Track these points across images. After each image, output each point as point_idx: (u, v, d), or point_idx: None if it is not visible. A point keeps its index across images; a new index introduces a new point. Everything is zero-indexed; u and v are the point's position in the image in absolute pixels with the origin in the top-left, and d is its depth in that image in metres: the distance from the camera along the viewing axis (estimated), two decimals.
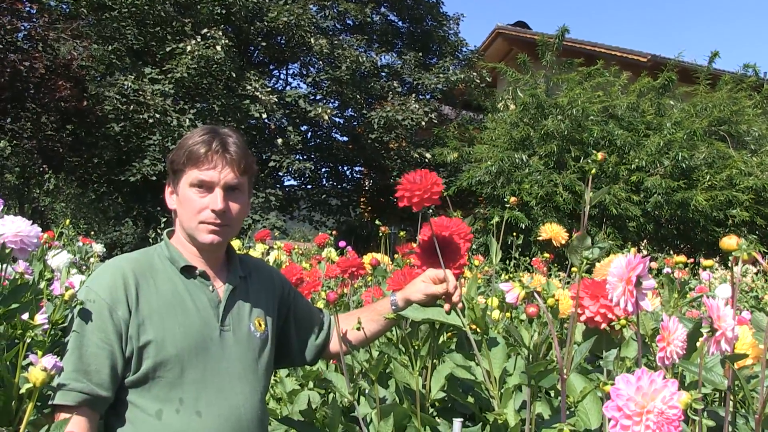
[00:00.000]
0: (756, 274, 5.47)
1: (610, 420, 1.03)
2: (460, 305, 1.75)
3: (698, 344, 1.50)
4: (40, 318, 1.34)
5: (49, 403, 1.44)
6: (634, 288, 1.29)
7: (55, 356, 1.12)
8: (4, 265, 1.56)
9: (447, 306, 1.76)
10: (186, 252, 1.71)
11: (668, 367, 1.35)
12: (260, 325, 1.76)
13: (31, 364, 1.11)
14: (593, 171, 1.59)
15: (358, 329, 1.86)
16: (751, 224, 11.05)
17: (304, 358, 1.95)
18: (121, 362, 1.54)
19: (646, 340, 1.83)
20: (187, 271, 1.69)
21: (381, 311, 1.89)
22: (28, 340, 1.19)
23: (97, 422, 1.52)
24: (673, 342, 1.30)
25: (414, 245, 1.81)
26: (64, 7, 15.09)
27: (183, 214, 1.69)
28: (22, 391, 1.07)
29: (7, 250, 1.57)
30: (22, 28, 13.73)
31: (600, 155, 1.65)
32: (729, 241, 1.32)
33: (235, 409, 1.62)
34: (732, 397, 1.27)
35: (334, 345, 1.95)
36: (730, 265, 1.34)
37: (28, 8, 13.90)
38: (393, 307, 1.86)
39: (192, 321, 1.62)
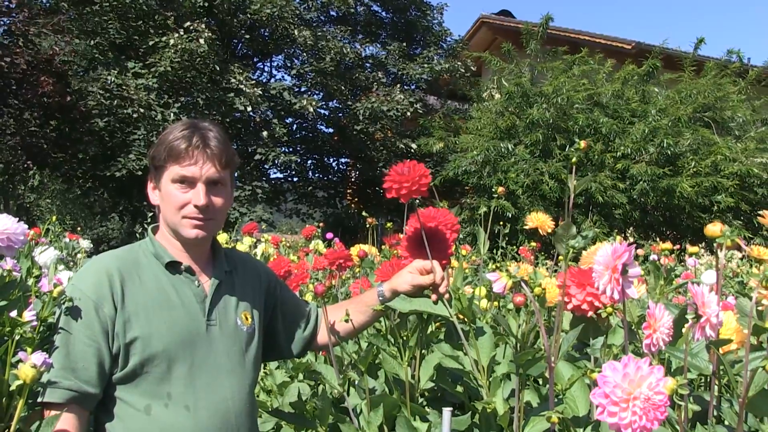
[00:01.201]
0: (741, 259, 5.52)
1: (597, 407, 1.04)
2: (447, 296, 1.76)
3: (684, 330, 1.51)
4: (28, 315, 1.34)
5: (38, 400, 1.44)
6: (620, 276, 1.30)
7: (45, 353, 1.12)
8: None
9: (434, 296, 1.77)
10: (171, 247, 1.72)
11: (655, 354, 1.36)
12: (247, 318, 1.76)
13: (20, 361, 1.11)
14: (575, 160, 1.60)
15: (347, 321, 1.86)
16: (736, 210, 11.13)
17: (291, 350, 1.96)
18: (108, 359, 1.55)
19: (633, 327, 1.85)
20: (172, 266, 1.69)
21: (368, 302, 1.90)
22: (17, 337, 1.19)
23: (87, 419, 1.53)
24: (659, 329, 1.31)
25: (401, 236, 1.81)
26: (45, 1, 14.94)
27: (166, 210, 1.69)
28: (12, 388, 1.07)
29: None
30: (2, 23, 13.63)
31: (583, 143, 1.66)
32: (713, 228, 1.34)
33: (223, 402, 1.63)
34: (717, 382, 1.29)
35: (322, 337, 1.96)
36: (715, 251, 1.35)
37: (6, 3, 13.77)
38: (380, 298, 1.86)
39: (178, 316, 1.62)
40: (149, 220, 12.34)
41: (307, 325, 1.95)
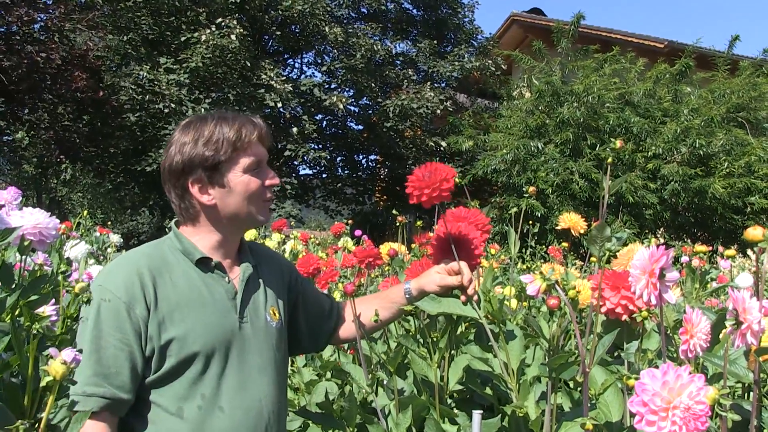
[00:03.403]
0: None
1: (635, 415, 1.02)
2: (476, 297, 1.74)
3: (721, 336, 1.48)
4: (49, 309, 1.34)
5: (72, 409, 1.41)
6: (657, 280, 1.27)
7: (74, 349, 1.12)
8: (24, 257, 1.56)
9: (463, 297, 1.74)
10: (201, 243, 1.67)
11: (691, 360, 1.33)
12: (275, 314, 1.73)
13: (50, 357, 1.11)
14: (610, 160, 1.57)
15: (376, 321, 1.84)
16: None
17: (314, 344, 1.95)
18: (141, 362, 1.51)
19: (669, 331, 1.82)
20: (203, 263, 1.65)
21: (393, 299, 1.87)
22: (34, 332, 1.19)
23: (116, 424, 1.50)
24: (696, 335, 1.28)
25: (431, 235, 1.79)
26: None
27: (236, 202, 1.64)
28: (42, 384, 1.07)
29: (27, 243, 1.57)
30: (39, 19, 13.78)
31: (618, 143, 1.63)
32: (754, 232, 1.30)
33: (257, 401, 1.61)
34: (758, 391, 1.25)
35: (344, 331, 1.94)
36: (749, 253, 1.32)
37: None
38: (407, 296, 1.84)
39: (212, 315, 1.59)
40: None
41: (329, 318, 1.93)
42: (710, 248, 5.17)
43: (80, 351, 1.23)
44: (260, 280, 1.75)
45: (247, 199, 1.65)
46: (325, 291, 2.70)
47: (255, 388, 1.62)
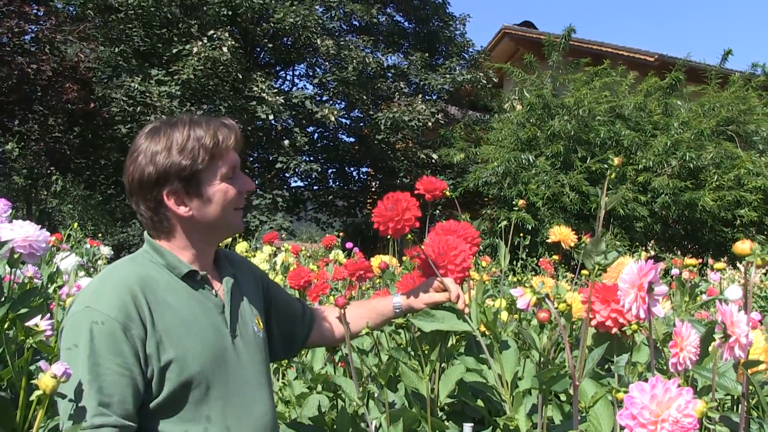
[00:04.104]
0: (765, 274, 5.45)
1: (623, 429, 1.02)
2: (467, 311, 1.74)
3: (710, 349, 1.49)
4: (44, 323, 1.34)
5: None
6: (646, 294, 1.28)
7: (65, 363, 1.12)
8: (14, 270, 1.56)
9: (460, 305, 1.74)
10: (183, 255, 1.56)
11: (680, 373, 1.34)
12: (259, 323, 1.67)
13: (39, 369, 1.11)
14: (613, 176, 1.58)
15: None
16: (759, 224, 11.03)
17: (287, 351, 1.88)
18: (142, 386, 1.39)
19: (658, 344, 1.82)
20: (190, 277, 1.55)
21: (380, 311, 1.85)
22: (27, 346, 1.18)
23: None
24: (686, 348, 1.29)
25: (421, 248, 1.79)
26: (71, 9, 15.14)
27: (214, 213, 1.54)
28: (32, 398, 1.07)
29: (16, 255, 1.57)
30: (30, 30, 13.82)
31: (617, 160, 1.64)
32: (743, 246, 1.31)
33: (260, 417, 1.56)
34: (746, 403, 1.26)
35: (317, 335, 1.89)
36: (738, 266, 1.33)
37: (35, 11, 13.97)
38: (396, 310, 1.83)
39: (207, 332, 1.50)
40: None
41: (302, 323, 1.87)
42: (700, 261, 5.21)
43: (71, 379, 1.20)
44: (241, 290, 1.67)
45: (226, 209, 1.56)
46: (316, 303, 2.70)
47: (256, 404, 1.56)
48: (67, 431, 1.28)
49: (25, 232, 1.58)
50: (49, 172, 15.64)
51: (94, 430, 1.30)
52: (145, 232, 1.61)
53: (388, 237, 1.76)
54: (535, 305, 1.39)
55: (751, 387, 1.35)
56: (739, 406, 1.40)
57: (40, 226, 1.66)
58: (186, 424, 1.43)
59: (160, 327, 1.43)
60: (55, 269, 2.16)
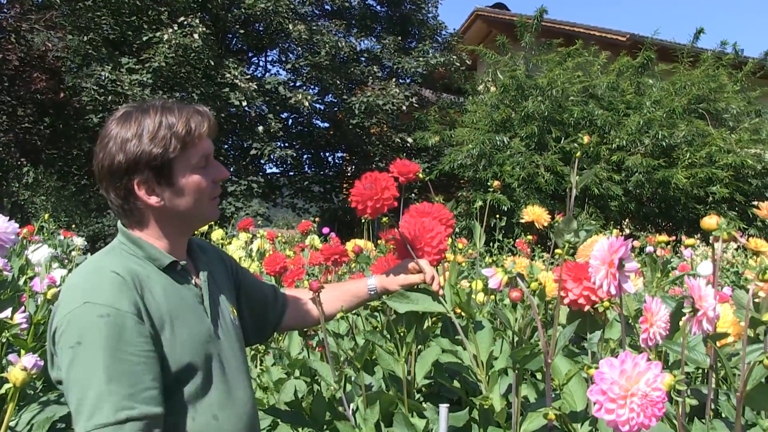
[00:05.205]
0: (736, 249, 5.53)
1: (595, 404, 1.03)
2: (441, 292, 1.75)
3: (681, 324, 1.51)
4: (19, 317, 1.32)
5: None
6: (616, 271, 1.29)
7: (36, 355, 1.11)
8: None
9: (435, 286, 1.74)
10: (162, 246, 1.53)
11: (652, 348, 1.36)
12: (233, 311, 1.66)
13: (9, 363, 1.10)
14: (579, 154, 1.59)
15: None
16: (730, 201, 11.17)
17: (259, 336, 1.86)
18: (159, 367, 1.36)
19: (630, 321, 1.85)
20: (171, 267, 1.51)
21: (355, 293, 1.86)
22: (4, 340, 1.17)
23: None
24: (656, 323, 1.31)
25: (396, 231, 1.80)
26: None
27: (186, 204, 1.51)
28: (1, 391, 1.05)
29: None
30: None
31: (586, 138, 1.65)
32: (709, 221, 1.33)
33: (244, 405, 1.55)
34: (714, 375, 1.28)
35: (290, 318, 1.89)
36: (711, 242, 1.35)
37: None
38: (371, 293, 1.84)
39: (193, 323, 1.48)
40: None
41: (273, 308, 1.86)
42: (674, 238, 5.27)
43: (71, 381, 1.16)
44: (215, 278, 1.65)
45: (199, 199, 1.52)
46: (292, 288, 2.70)
47: (240, 392, 1.55)
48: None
49: None
50: (19, 163, 15.44)
51: (119, 426, 1.26)
52: (119, 223, 1.57)
53: (365, 218, 1.75)
54: (506, 285, 1.40)
55: (718, 360, 1.37)
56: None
57: (9, 217, 1.64)
58: (175, 415, 1.40)
59: (154, 319, 1.40)
60: (25, 261, 2.14)
